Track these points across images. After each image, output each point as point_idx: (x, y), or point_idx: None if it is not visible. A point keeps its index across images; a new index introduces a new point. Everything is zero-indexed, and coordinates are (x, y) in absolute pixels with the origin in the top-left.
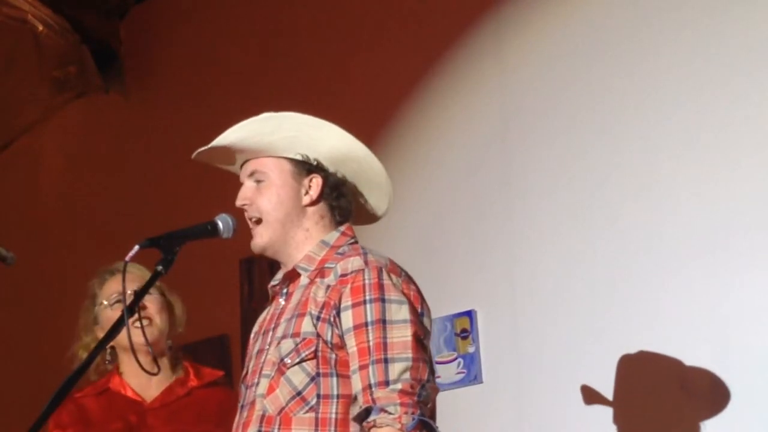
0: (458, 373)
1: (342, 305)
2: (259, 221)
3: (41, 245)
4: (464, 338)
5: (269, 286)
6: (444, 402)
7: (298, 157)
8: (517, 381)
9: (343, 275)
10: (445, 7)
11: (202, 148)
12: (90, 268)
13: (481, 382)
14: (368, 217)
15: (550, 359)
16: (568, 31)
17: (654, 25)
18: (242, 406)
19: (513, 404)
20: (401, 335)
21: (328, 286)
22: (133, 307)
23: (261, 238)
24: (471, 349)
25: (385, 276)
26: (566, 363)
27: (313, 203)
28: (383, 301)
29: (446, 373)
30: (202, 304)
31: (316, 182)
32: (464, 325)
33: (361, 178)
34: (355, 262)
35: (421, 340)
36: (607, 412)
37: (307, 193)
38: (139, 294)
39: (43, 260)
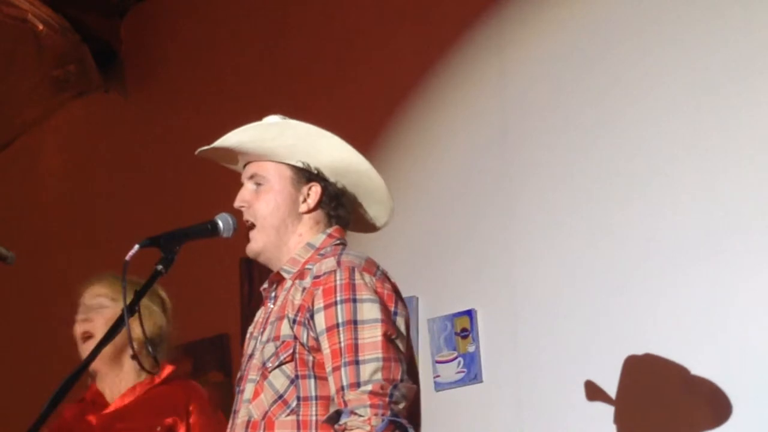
0: (458, 372)
1: (315, 307)
2: (253, 226)
3: (41, 244)
4: (464, 337)
5: (261, 289)
6: (444, 401)
7: (299, 165)
8: (516, 380)
9: (316, 277)
10: (446, 6)
11: (204, 147)
12: (90, 266)
13: (481, 382)
14: (368, 226)
15: (550, 358)
16: (569, 31)
17: (655, 25)
18: (234, 411)
19: (513, 403)
20: (371, 336)
21: (304, 289)
22: (133, 307)
23: (255, 243)
24: (471, 349)
25: (357, 276)
26: (566, 362)
27: (309, 211)
28: (354, 301)
29: (446, 372)
30: (202, 304)
31: (315, 191)
32: (464, 325)
33: (360, 190)
34: (328, 263)
35: (392, 340)
36: (607, 410)
37: (305, 201)
38: (140, 293)
39: (43, 259)
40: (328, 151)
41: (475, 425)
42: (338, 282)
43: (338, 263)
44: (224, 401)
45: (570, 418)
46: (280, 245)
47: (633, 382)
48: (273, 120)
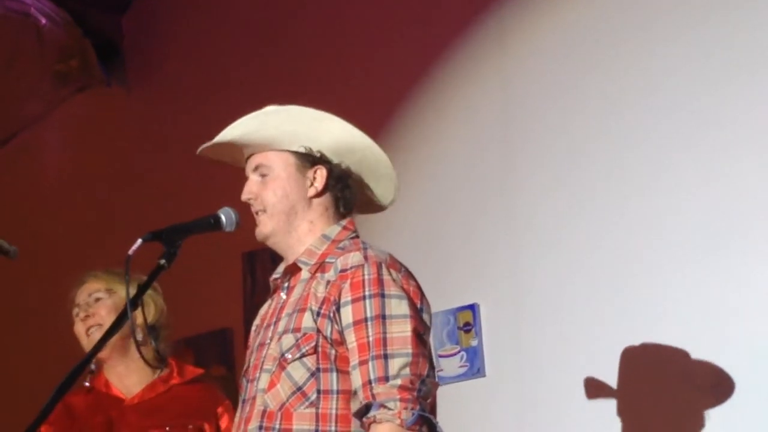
0: (461, 366)
1: (342, 301)
2: (263, 211)
3: (44, 238)
4: (467, 332)
5: (271, 279)
6: (447, 395)
7: (302, 150)
8: (519, 374)
9: (342, 270)
10: (448, 4)
11: (206, 144)
12: (92, 261)
13: (484, 376)
14: (375, 206)
15: (553, 353)
16: (571, 28)
17: (657, 22)
18: (244, 401)
19: (515, 397)
20: (401, 330)
21: (328, 282)
22: (136, 300)
23: (264, 227)
24: (474, 343)
25: (384, 271)
26: (568, 356)
27: (318, 195)
28: (383, 296)
29: (449, 366)
30: (205, 298)
31: (321, 174)
32: (467, 319)
33: (365, 169)
34: (354, 258)
35: (420, 336)
36: (610, 405)
37: (312, 185)
38: (143, 287)
39: (45, 253)
40: (329, 132)
41: (477, 419)
42: (366, 277)
43: (365, 258)
44: (227, 395)
45: (572, 412)
46: (290, 231)
47: (636, 377)
48: (269, 109)
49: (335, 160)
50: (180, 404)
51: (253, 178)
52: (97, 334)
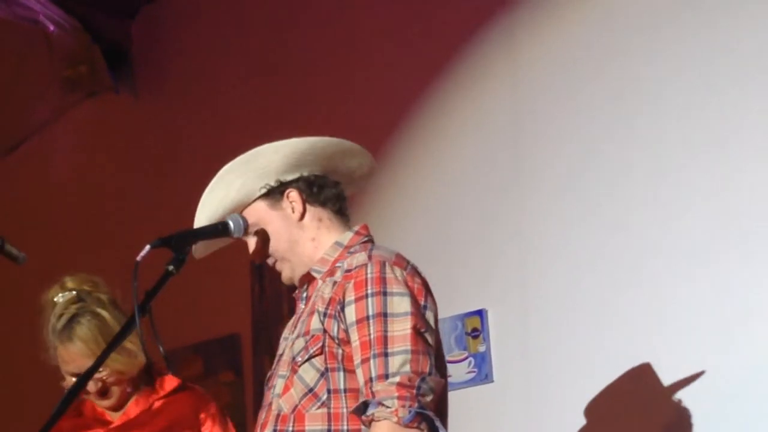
0: (469, 372)
1: (346, 300)
2: (277, 260)
3: (52, 244)
4: (475, 337)
5: (294, 294)
6: (454, 401)
7: (262, 192)
8: (527, 380)
9: (347, 271)
10: (458, 6)
11: (197, 250)
12: (100, 266)
13: (492, 382)
14: (362, 177)
15: (561, 358)
16: (581, 32)
17: (667, 26)
18: (262, 407)
19: (523, 403)
20: (401, 328)
21: (335, 283)
22: (144, 306)
23: (284, 272)
24: (482, 349)
25: (387, 269)
26: (576, 362)
27: (303, 214)
28: (384, 294)
29: (457, 372)
30: (213, 304)
31: (293, 196)
32: (475, 325)
33: (325, 161)
34: (359, 258)
35: (421, 333)
36: (617, 411)
37: (293, 210)
38: (150, 294)
39: (53, 259)
40: (270, 161)
41: (485, 425)
42: (369, 275)
43: (369, 257)
44: (236, 401)
45: (580, 418)
46: (302, 259)
47: (643, 382)
48: (206, 192)
49: (296, 176)
50: (162, 417)
51: (251, 241)
52: (109, 401)
